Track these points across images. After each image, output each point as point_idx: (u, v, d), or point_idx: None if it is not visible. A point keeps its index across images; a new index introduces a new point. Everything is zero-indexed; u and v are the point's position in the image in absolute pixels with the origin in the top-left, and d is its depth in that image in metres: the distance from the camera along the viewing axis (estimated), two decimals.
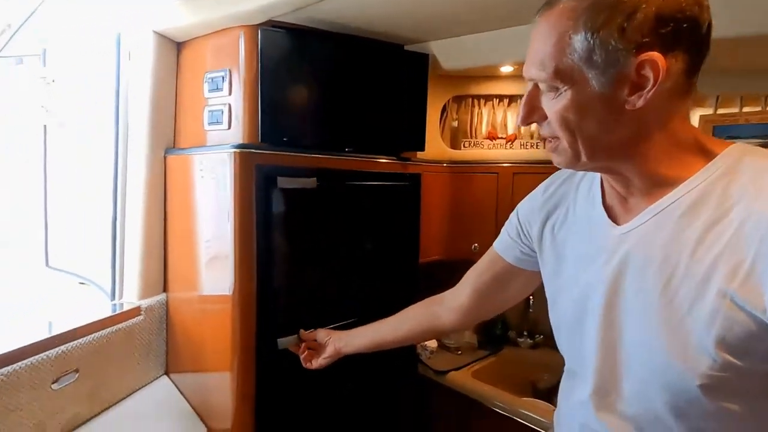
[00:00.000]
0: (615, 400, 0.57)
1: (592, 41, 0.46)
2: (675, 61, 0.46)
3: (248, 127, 1.11)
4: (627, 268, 0.54)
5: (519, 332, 1.69)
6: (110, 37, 1.27)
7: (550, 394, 1.47)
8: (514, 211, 0.75)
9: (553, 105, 0.51)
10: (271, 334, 1.06)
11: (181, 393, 1.27)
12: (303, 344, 1.02)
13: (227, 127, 1.16)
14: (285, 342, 1.06)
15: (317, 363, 0.99)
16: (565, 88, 0.49)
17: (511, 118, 1.56)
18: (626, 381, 0.55)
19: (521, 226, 0.73)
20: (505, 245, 0.76)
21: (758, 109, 1.33)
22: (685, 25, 0.45)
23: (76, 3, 1.28)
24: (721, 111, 1.37)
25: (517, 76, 1.51)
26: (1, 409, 0.90)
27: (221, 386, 1.09)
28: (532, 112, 0.54)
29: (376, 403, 1.37)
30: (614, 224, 0.57)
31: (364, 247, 1.27)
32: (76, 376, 1.06)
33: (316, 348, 1.02)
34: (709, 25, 0.47)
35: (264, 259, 1.04)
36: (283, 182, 1.03)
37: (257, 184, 1.02)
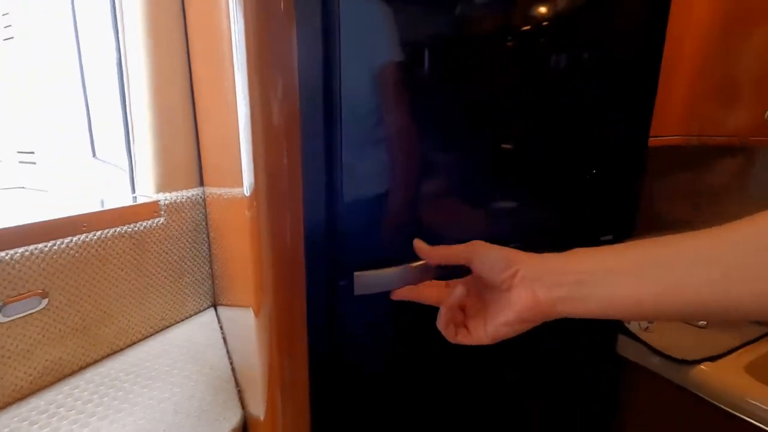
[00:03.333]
0: None
1: None
2: None
3: None
4: None
5: None
6: None
7: None
8: None
9: None
10: (333, 267, 0.49)
11: (225, 343, 0.82)
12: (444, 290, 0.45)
13: None
14: (393, 277, 0.48)
15: (482, 335, 0.39)
16: None
17: None
18: None
19: None
20: None
21: None
22: None
23: None
24: None
25: None
26: None
27: (252, 348, 0.58)
28: None
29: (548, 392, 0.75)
30: None
31: (537, 107, 0.57)
32: (43, 302, 0.64)
33: (472, 300, 0.43)
34: None
35: (313, 125, 0.44)
36: None
37: None
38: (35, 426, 0.59)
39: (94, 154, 1.28)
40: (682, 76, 0.78)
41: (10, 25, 1.28)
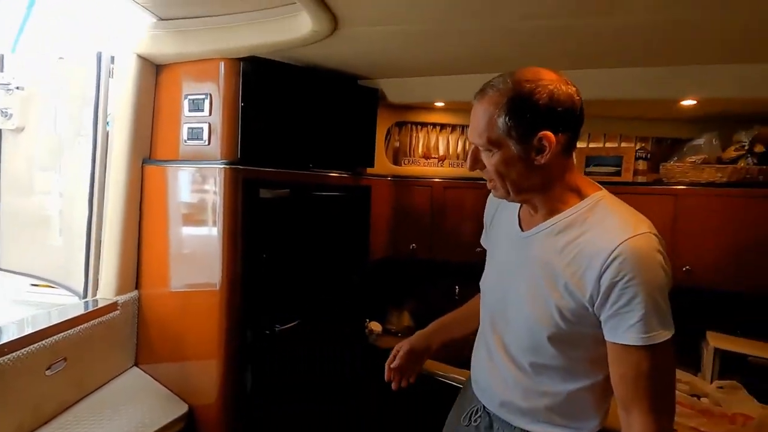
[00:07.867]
0: (503, 338, 0.90)
1: (509, 123, 0.74)
2: (562, 135, 0.74)
3: (227, 144, 1.31)
4: (523, 259, 0.86)
5: None
6: (90, 53, 1.37)
7: None
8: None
9: (489, 160, 0.79)
10: (254, 323, 1.27)
11: (155, 380, 1.41)
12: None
13: (207, 143, 1.34)
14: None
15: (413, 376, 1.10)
16: (495, 150, 0.78)
17: (442, 141, 1.92)
18: (508, 325, 0.89)
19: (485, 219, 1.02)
20: (484, 237, 1.03)
21: (615, 145, 1.83)
22: (564, 114, 0.74)
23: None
24: (592, 145, 1.85)
25: (448, 109, 1.87)
26: (7, 391, 1.01)
27: (204, 370, 1.27)
28: (476, 162, 0.82)
29: (335, 368, 1.61)
30: (521, 230, 0.88)
31: (327, 248, 1.51)
32: (65, 364, 1.17)
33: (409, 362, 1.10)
34: (581, 111, 0.76)
35: (247, 258, 1.25)
36: (264, 193, 1.25)
37: (243, 195, 1.22)
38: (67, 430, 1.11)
39: None
40: (381, 230, 1.87)
41: None
